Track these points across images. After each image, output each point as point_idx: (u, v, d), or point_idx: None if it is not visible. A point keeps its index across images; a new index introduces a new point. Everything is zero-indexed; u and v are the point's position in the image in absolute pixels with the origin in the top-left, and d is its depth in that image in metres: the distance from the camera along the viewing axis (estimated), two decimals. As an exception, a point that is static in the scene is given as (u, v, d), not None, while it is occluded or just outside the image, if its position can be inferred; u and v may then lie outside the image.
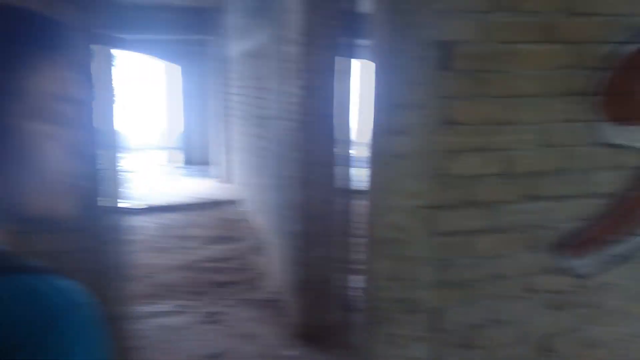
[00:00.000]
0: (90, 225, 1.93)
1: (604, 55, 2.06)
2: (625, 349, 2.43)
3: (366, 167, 2.06)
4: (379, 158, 1.99)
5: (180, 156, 9.61)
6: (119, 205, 2.34)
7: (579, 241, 2.22)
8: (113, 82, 2.24)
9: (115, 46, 2.31)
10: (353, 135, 3.22)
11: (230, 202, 6.64)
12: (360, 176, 2.50)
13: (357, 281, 2.13)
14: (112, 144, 2.21)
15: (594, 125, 2.12)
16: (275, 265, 4.06)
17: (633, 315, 2.38)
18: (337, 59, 3.07)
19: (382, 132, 1.96)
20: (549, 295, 2.24)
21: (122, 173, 2.51)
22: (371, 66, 1.98)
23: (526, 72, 2.00)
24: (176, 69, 9.41)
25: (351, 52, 3.13)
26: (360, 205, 2.37)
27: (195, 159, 9.36)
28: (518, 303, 2.20)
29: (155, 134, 12.07)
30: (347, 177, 3.18)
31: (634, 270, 2.32)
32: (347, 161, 3.19)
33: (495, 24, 1.92)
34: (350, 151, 3.26)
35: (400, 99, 1.92)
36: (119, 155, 2.38)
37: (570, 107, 2.08)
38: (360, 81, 5.36)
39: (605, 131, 2.14)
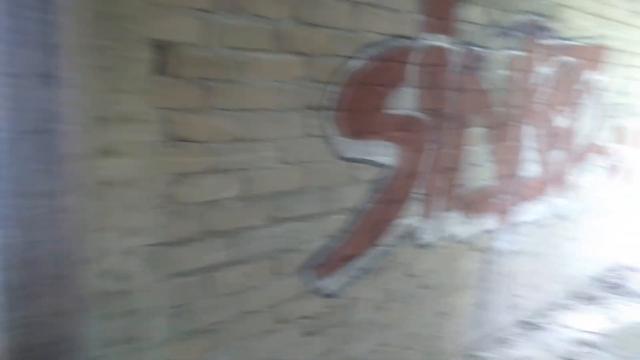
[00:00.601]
0: None
1: (335, 70, 2.01)
2: (381, 359, 2.47)
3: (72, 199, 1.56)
4: (85, 187, 1.52)
5: None
6: None
7: (326, 260, 2.14)
8: None
9: None
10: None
11: None
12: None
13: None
14: None
15: (331, 140, 2.06)
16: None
17: (380, 325, 2.44)
18: (60, 60, 2.42)
19: (86, 153, 1.49)
20: (303, 322, 2.10)
21: None
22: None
23: (261, 83, 1.80)
24: None
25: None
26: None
27: None
28: (271, 337, 1.99)
29: None
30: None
31: (376, 281, 2.37)
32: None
33: (221, 26, 1.66)
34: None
35: (110, 111, 1.49)
36: None
37: (309, 122, 1.97)
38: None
39: (341, 146, 2.10)
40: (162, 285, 1.64)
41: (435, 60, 2.43)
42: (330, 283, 2.17)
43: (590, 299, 4.01)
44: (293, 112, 1.92)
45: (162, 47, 1.55)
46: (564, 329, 3.51)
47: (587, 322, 3.61)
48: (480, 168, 2.84)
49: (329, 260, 2.15)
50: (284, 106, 1.89)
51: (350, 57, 2.05)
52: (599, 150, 4.03)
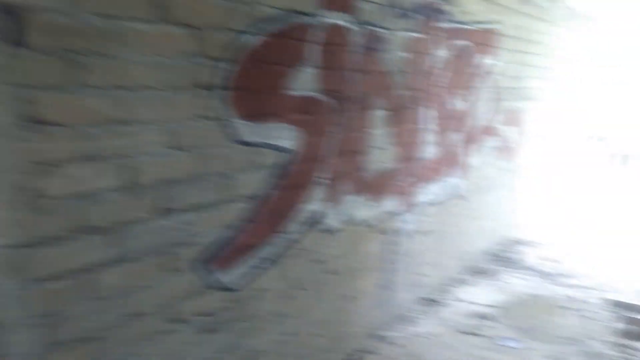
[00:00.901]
0: None
1: (228, 45, 1.85)
2: (288, 349, 2.39)
3: None
4: None
5: None
6: None
7: (226, 252, 2.00)
8: None
9: None
10: None
11: None
12: None
13: None
14: None
15: (226, 122, 1.90)
16: None
17: (285, 314, 2.35)
18: None
19: None
20: (200, 319, 1.95)
21: None
22: None
23: (140, 58, 1.59)
24: None
25: None
26: None
27: None
28: (164, 338, 1.82)
29: None
30: None
31: (280, 270, 2.28)
32: None
33: (87, -12, 1.43)
34: None
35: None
36: None
37: (200, 102, 1.80)
38: None
39: (238, 129, 1.95)
40: (26, 292, 1.41)
41: (335, 39, 2.35)
42: (230, 276, 2.04)
43: (483, 273, 4.27)
44: (181, 91, 1.73)
45: (11, 12, 1.30)
46: (461, 303, 3.69)
47: (482, 295, 3.84)
48: (381, 151, 2.84)
49: (228, 252, 2.01)
50: (170, 84, 1.69)
51: (244, 32, 1.90)
52: (492, 132, 4.25)
